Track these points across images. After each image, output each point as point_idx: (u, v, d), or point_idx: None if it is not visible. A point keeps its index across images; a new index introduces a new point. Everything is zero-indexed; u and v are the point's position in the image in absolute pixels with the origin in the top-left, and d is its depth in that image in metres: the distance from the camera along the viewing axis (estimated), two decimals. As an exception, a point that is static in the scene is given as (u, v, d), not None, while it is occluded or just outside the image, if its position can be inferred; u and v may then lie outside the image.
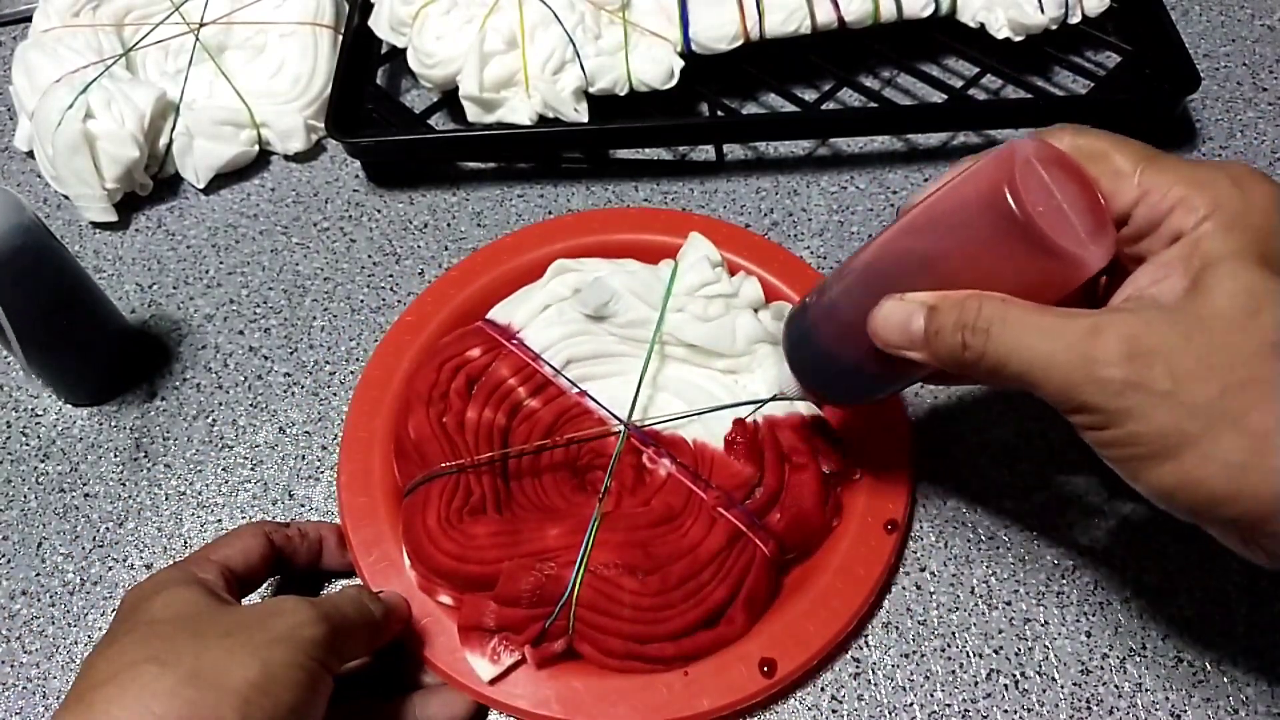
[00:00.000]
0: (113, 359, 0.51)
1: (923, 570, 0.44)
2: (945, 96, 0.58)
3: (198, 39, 0.61)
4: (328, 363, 0.52)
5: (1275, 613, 0.42)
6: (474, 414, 0.44)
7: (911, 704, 0.40)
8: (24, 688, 0.42)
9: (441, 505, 0.42)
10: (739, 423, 0.43)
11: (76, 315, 0.47)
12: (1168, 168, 0.31)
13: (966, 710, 0.40)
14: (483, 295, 0.50)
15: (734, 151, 0.60)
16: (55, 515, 0.47)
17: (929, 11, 0.57)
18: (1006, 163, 0.30)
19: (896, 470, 0.44)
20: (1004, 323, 0.30)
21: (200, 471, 0.48)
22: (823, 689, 0.41)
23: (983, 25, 0.57)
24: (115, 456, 0.49)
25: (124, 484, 0.48)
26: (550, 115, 0.56)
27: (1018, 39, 0.57)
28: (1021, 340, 0.30)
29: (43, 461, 0.49)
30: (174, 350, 0.53)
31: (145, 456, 0.49)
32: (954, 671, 0.41)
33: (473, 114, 0.57)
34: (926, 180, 0.46)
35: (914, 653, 0.41)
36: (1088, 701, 0.40)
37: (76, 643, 0.44)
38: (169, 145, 0.59)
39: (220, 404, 0.51)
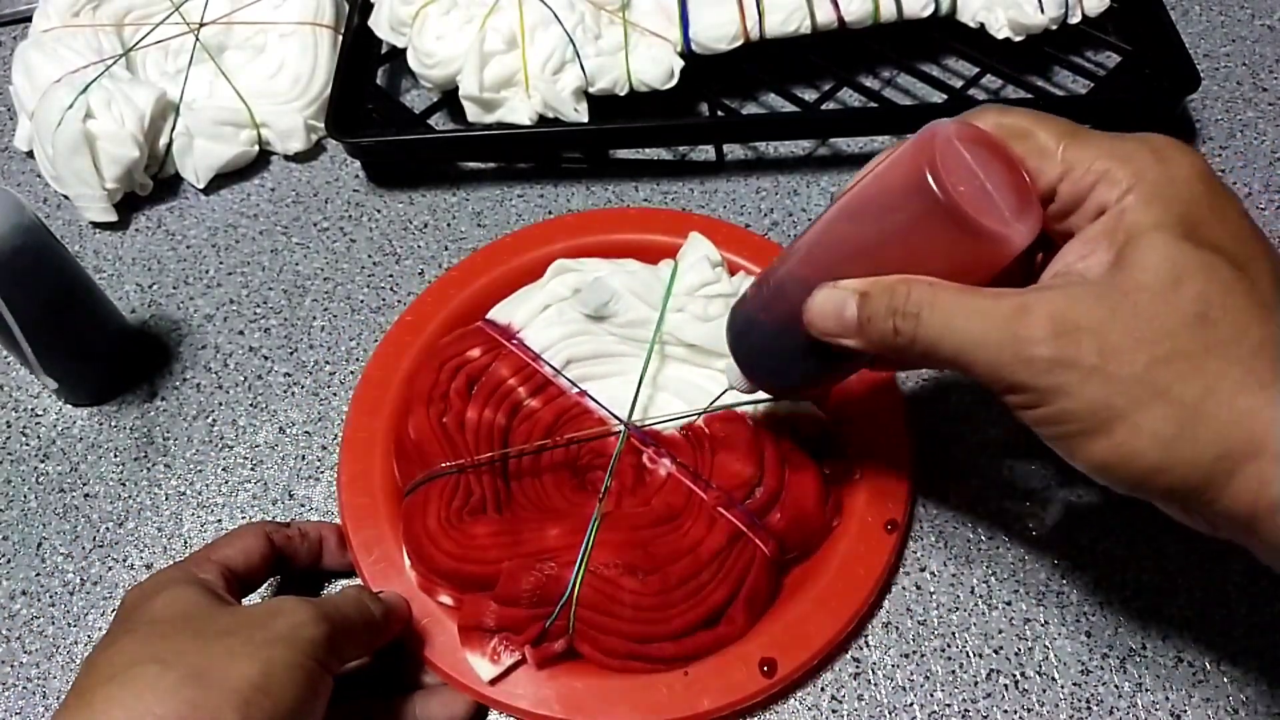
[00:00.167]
0: (113, 359, 0.51)
1: (923, 570, 0.44)
2: (945, 96, 0.58)
3: (198, 39, 0.61)
4: (328, 363, 0.52)
5: (1275, 613, 0.42)
6: (474, 414, 0.44)
7: (911, 704, 0.40)
8: (24, 688, 0.42)
9: (442, 505, 0.42)
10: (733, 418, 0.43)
11: (76, 315, 0.47)
12: (1090, 143, 0.31)
13: (966, 710, 0.40)
14: (483, 295, 0.50)
15: (734, 151, 0.60)
16: (55, 515, 0.47)
17: (929, 11, 0.57)
18: (927, 145, 0.30)
19: (896, 470, 0.44)
20: (933, 306, 0.30)
21: (200, 471, 0.48)
22: (823, 689, 0.41)
23: (983, 25, 0.57)
24: (115, 456, 0.49)
25: (124, 484, 0.48)
26: (550, 115, 0.56)
27: (1018, 39, 0.57)
28: (951, 323, 0.30)
29: (43, 461, 0.49)
30: (174, 350, 0.53)
31: (145, 456, 0.49)
32: (954, 671, 0.41)
33: (473, 114, 0.57)
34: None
35: (914, 653, 0.41)
36: (1088, 701, 0.40)
37: (76, 643, 0.44)
38: (169, 145, 0.59)
39: (220, 404, 0.51)
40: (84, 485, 0.48)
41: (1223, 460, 0.27)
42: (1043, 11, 0.56)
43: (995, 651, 0.41)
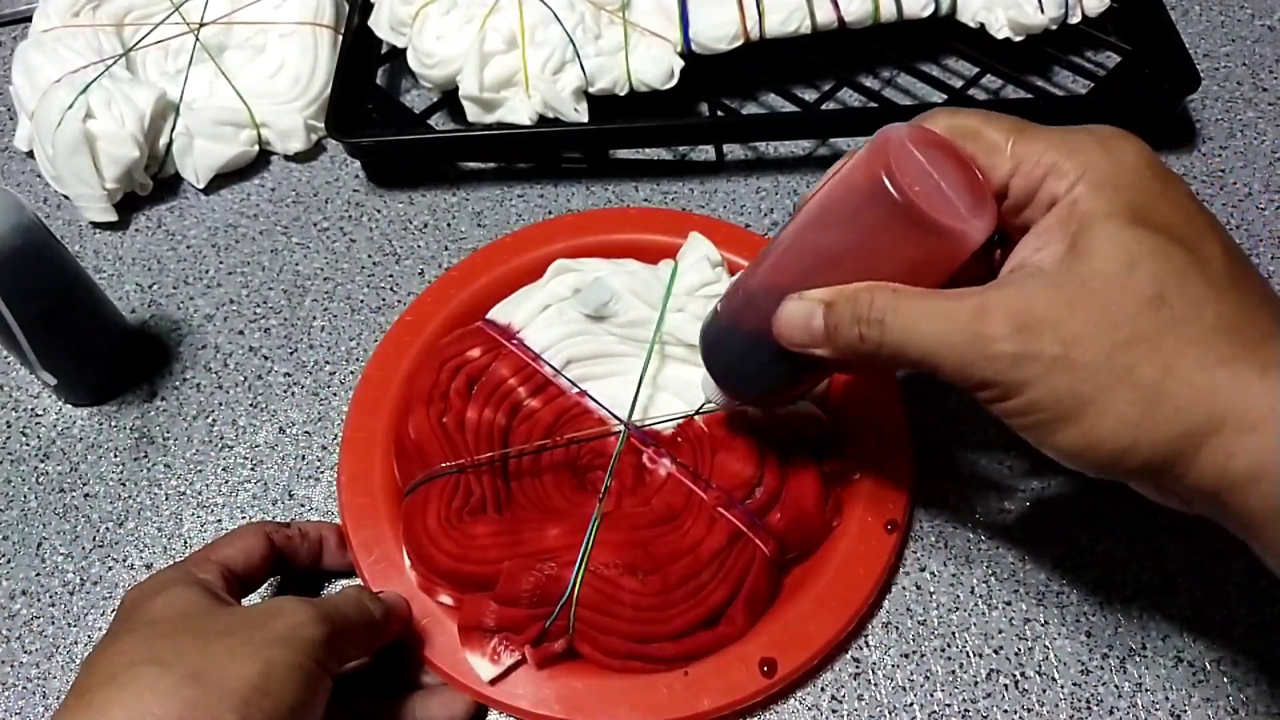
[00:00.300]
0: (113, 359, 0.51)
1: (923, 570, 0.44)
2: (945, 96, 0.58)
3: (198, 39, 0.61)
4: (328, 363, 0.52)
5: (1275, 613, 0.42)
6: (474, 414, 0.44)
7: (911, 704, 0.40)
8: (24, 688, 0.42)
9: (442, 505, 0.42)
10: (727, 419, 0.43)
11: (76, 315, 0.47)
12: (1038, 137, 0.31)
13: (966, 710, 0.40)
14: (483, 295, 0.50)
15: (734, 151, 0.60)
16: (55, 515, 0.47)
17: (929, 11, 0.57)
18: (881, 150, 0.31)
19: (896, 470, 0.44)
20: (896, 312, 0.31)
21: (200, 471, 0.48)
22: (823, 689, 0.41)
23: (983, 25, 0.57)
24: (115, 456, 0.49)
25: (124, 484, 0.48)
26: (550, 115, 0.56)
27: (1018, 39, 0.57)
28: (915, 327, 0.30)
29: (43, 461, 0.49)
30: (174, 350, 0.53)
31: (145, 456, 0.49)
32: (954, 671, 0.41)
33: (473, 114, 0.57)
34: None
35: (914, 653, 0.41)
36: (1088, 701, 0.40)
37: (76, 643, 0.44)
38: (169, 145, 0.59)
39: (220, 404, 0.51)
40: (84, 485, 0.48)
41: (1187, 437, 0.28)
42: (1043, 11, 0.56)
43: (995, 651, 0.41)
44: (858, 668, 0.41)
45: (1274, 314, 0.29)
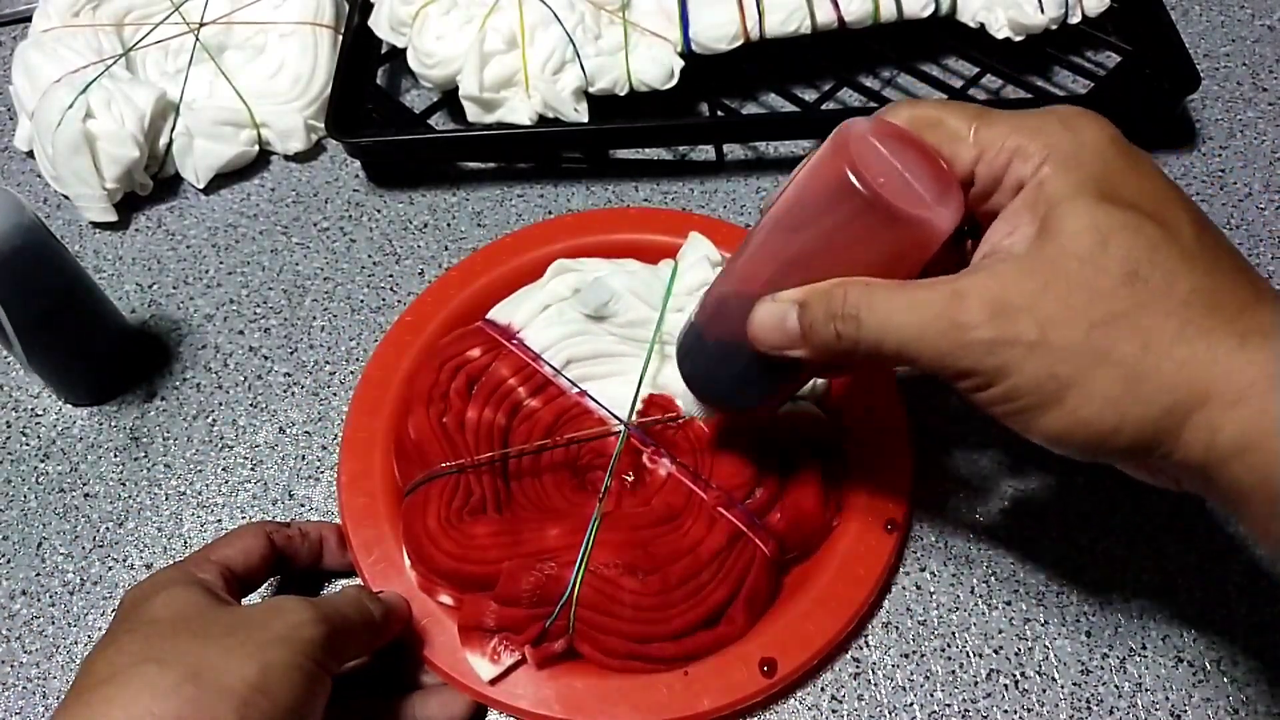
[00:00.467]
0: (113, 359, 0.51)
1: (923, 570, 0.44)
2: (945, 97, 0.58)
3: (198, 39, 0.61)
4: (328, 363, 0.52)
5: (1275, 613, 0.42)
6: (474, 414, 0.44)
7: (911, 704, 0.40)
8: (24, 688, 0.42)
9: (442, 505, 0.42)
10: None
11: (76, 315, 0.47)
12: (999, 121, 0.31)
13: (966, 710, 0.40)
14: (483, 295, 0.50)
15: (734, 151, 0.60)
16: (55, 515, 0.47)
17: (929, 11, 0.57)
18: (843, 145, 0.30)
19: (896, 470, 0.44)
20: (870, 306, 0.30)
21: (200, 471, 0.48)
22: (823, 689, 0.41)
23: (983, 25, 0.57)
24: (115, 456, 0.49)
25: (124, 484, 0.48)
26: (550, 115, 0.56)
27: (1018, 39, 0.57)
28: (890, 319, 0.30)
29: (43, 461, 0.49)
30: (174, 350, 0.53)
31: (145, 456, 0.49)
32: (954, 671, 0.41)
33: (473, 114, 0.57)
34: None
35: (914, 653, 0.41)
36: (1088, 701, 0.40)
37: (76, 643, 0.44)
38: (169, 145, 0.59)
39: (220, 404, 0.51)
40: (84, 485, 0.48)
41: (1171, 413, 0.27)
42: (1043, 11, 0.56)
43: (995, 651, 0.41)
44: (858, 668, 0.41)
45: (1249, 283, 0.29)
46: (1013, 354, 0.28)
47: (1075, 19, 0.57)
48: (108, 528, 0.47)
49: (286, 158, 0.61)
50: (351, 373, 0.51)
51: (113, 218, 0.58)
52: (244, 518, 0.47)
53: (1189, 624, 0.42)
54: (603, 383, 0.46)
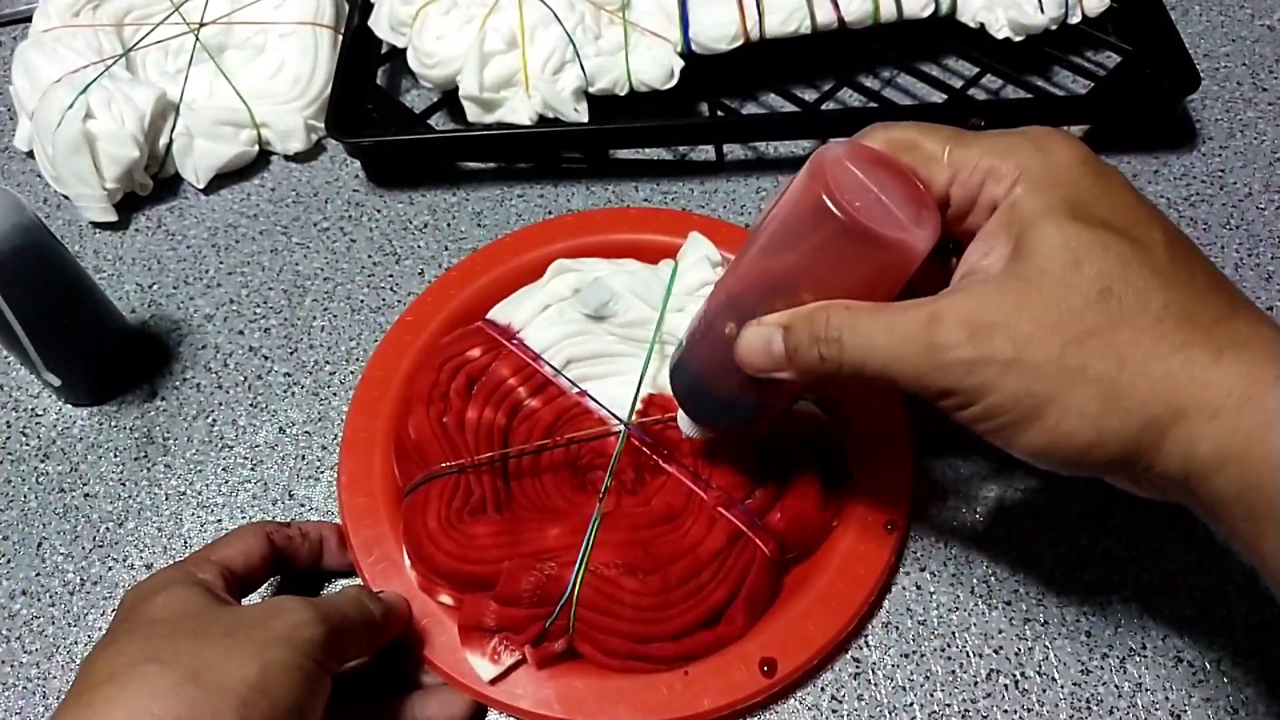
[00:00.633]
0: (113, 359, 0.51)
1: (923, 570, 0.44)
2: (945, 96, 0.58)
3: (198, 39, 0.61)
4: (328, 363, 0.52)
5: (1275, 613, 0.42)
6: (474, 414, 0.44)
7: (911, 704, 0.40)
8: (24, 688, 0.42)
9: (442, 505, 0.42)
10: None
11: (76, 315, 0.47)
12: (972, 143, 0.32)
13: (966, 710, 0.40)
14: (483, 295, 0.50)
15: (734, 151, 0.60)
16: (55, 515, 0.47)
17: (929, 11, 0.57)
18: (819, 171, 0.31)
19: (896, 470, 0.44)
20: (852, 329, 0.31)
21: (200, 471, 0.48)
22: (823, 689, 0.41)
23: (983, 25, 0.57)
24: (115, 456, 0.49)
25: (124, 484, 0.48)
26: (550, 115, 0.56)
27: (1018, 39, 0.57)
28: (871, 342, 0.31)
29: (43, 461, 0.49)
30: (174, 350, 0.53)
31: (145, 456, 0.49)
32: (954, 671, 0.41)
33: (473, 114, 0.57)
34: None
35: (914, 653, 0.41)
36: (1088, 701, 0.40)
37: (76, 643, 0.44)
38: (169, 145, 0.59)
39: (220, 404, 0.51)
40: (84, 485, 0.48)
41: (1149, 429, 0.28)
42: (1043, 11, 0.56)
43: (995, 651, 0.41)
44: (858, 668, 0.41)
45: (1224, 297, 0.29)
46: (990, 372, 0.29)
47: (1075, 19, 0.57)
48: (108, 528, 0.47)
49: (286, 158, 0.61)
50: (351, 373, 0.51)
51: (113, 218, 0.58)
52: (244, 518, 0.47)
53: (1189, 624, 0.42)
54: (603, 383, 0.46)
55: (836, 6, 0.56)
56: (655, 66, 0.56)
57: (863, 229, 0.30)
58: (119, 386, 0.51)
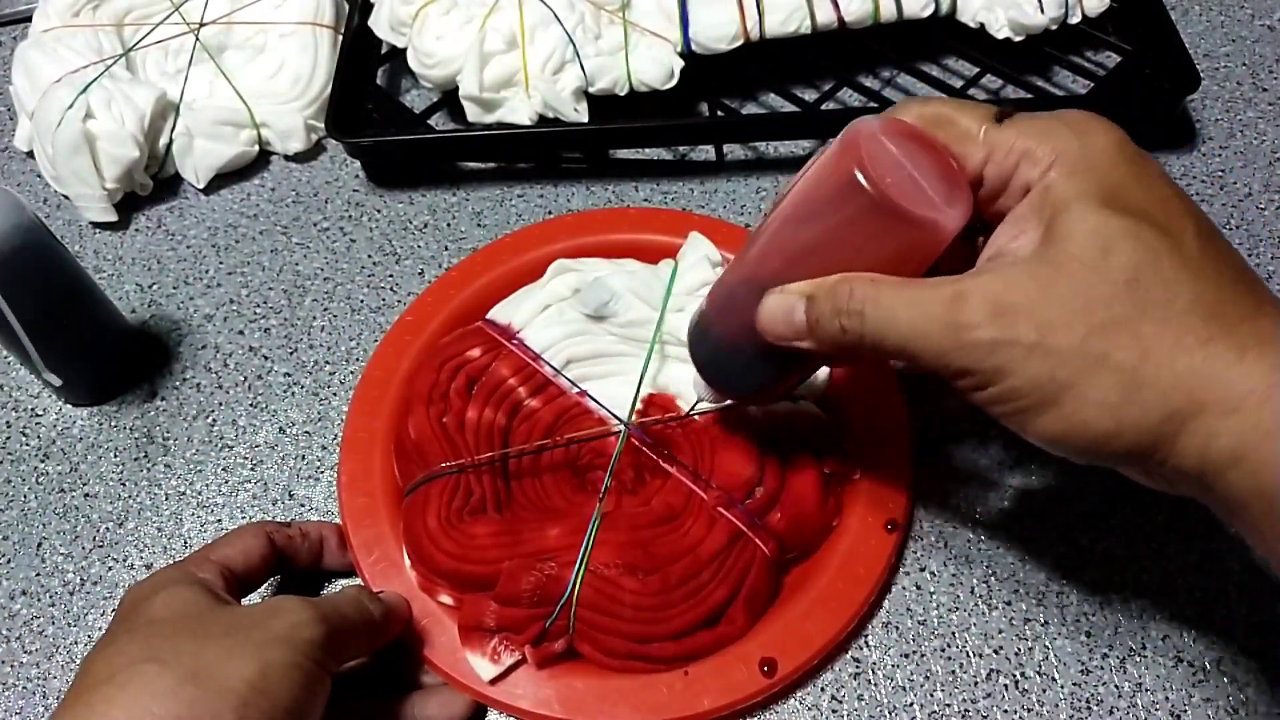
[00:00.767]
0: (113, 359, 0.51)
1: (923, 570, 0.44)
2: (945, 96, 0.58)
3: (198, 39, 0.61)
4: (328, 363, 0.52)
5: (1275, 613, 0.42)
6: (474, 414, 0.44)
7: (911, 704, 0.40)
8: (24, 688, 0.42)
9: (442, 505, 0.42)
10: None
11: (76, 315, 0.47)
12: (1011, 123, 0.31)
13: (966, 710, 0.40)
14: (483, 295, 0.50)
15: (734, 151, 0.60)
16: (55, 515, 0.47)
17: (929, 11, 0.57)
18: (853, 143, 0.31)
19: (896, 470, 0.44)
20: (876, 302, 0.31)
21: (200, 471, 0.48)
22: (823, 689, 0.41)
23: (983, 25, 0.57)
24: (115, 456, 0.49)
25: (124, 484, 0.48)
26: (550, 115, 0.56)
27: (1018, 39, 0.57)
28: (893, 316, 0.30)
29: (43, 461, 0.49)
30: (174, 350, 0.53)
31: (145, 456, 0.49)
32: (954, 671, 0.41)
33: (473, 114, 0.57)
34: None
35: (914, 653, 0.41)
36: (1088, 701, 0.40)
37: (76, 643, 0.44)
38: (169, 145, 0.59)
39: (220, 404, 0.51)
40: (84, 485, 0.48)
41: (1168, 421, 0.28)
42: (1043, 11, 0.56)
43: (995, 651, 0.41)
44: (858, 668, 0.41)
45: (1252, 294, 0.29)
46: (1011, 355, 0.29)
47: (1075, 19, 0.57)
48: (108, 528, 0.47)
49: (286, 158, 0.61)
50: (351, 373, 0.51)
51: (113, 218, 0.58)
52: (244, 518, 0.47)
53: (1189, 624, 0.42)
54: (603, 383, 0.46)
55: (836, 6, 0.56)
56: (655, 66, 0.56)
57: (893, 206, 0.30)
58: (119, 386, 0.51)
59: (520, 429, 0.45)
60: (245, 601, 0.38)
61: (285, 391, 0.51)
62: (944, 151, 0.32)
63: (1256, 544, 0.28)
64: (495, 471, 0.43)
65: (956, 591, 0.43)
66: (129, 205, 0.59)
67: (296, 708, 0.32)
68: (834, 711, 0.40)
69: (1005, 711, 0.40)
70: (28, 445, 0.50)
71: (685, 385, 0.45)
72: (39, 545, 0.47)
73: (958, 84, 0.59)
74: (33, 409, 0.51)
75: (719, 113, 0.59)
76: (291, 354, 0.52)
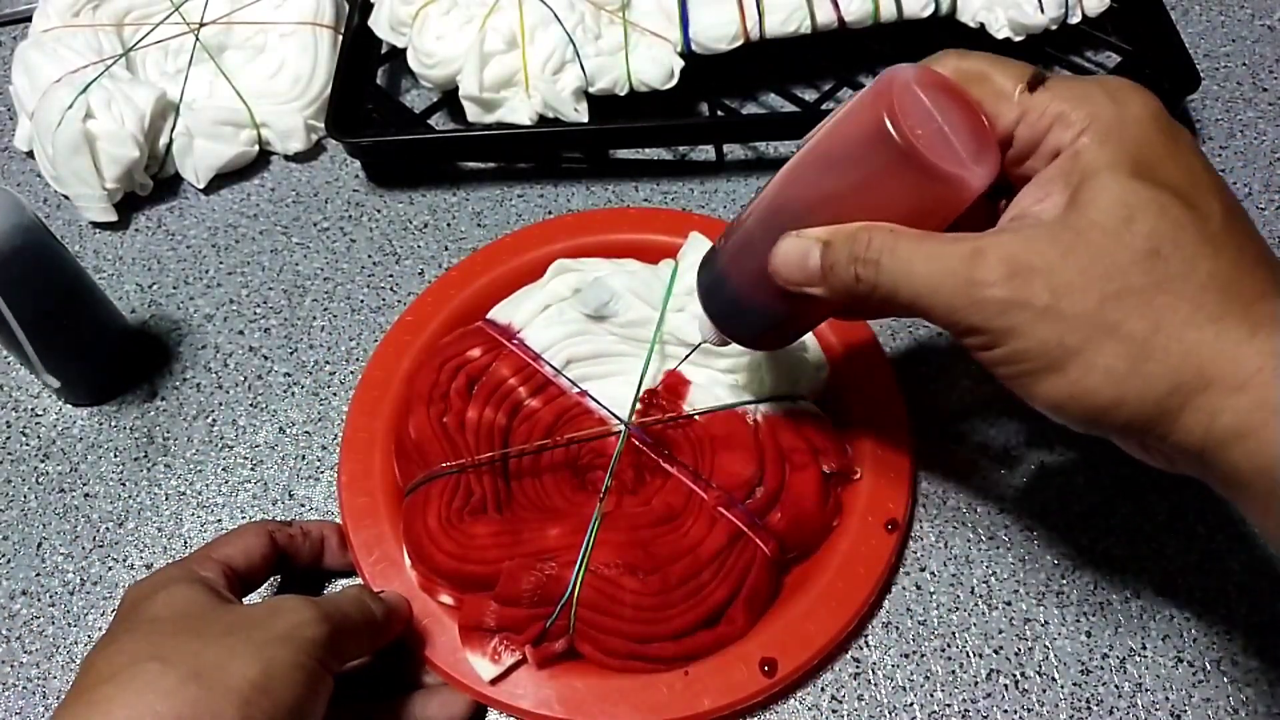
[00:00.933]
0: (113, 359, 0.51)
1: (923, 570, 0.44)
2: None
3: (198, 39, 0.61)
4: (328, 363, 0.52)
5: (1275, 613, 0.42)
6: (474, 414, 0.44)
7: (911, 704, 0.40)
8: (24, 688, 0.42)
9: (442, 505, 0.42)
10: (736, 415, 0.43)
11: (76, 315, 0.47)
12: (1047, 87, 0.31)
13: (966, 710, 0.40)
14: (483, 295, 0.50)
15: (734, 151, 0.60)
16: (55, 515, 0.47)
17: (929, 11, 0.57)
18: (885, 91, 0.30)
19: (896, 470, 0.44)
20: (892, 253, 0.30)
21: (200, 471, 0.48)
22: (823, 689, 0.41)
23: (983, 25, 0.57)
24: (115, 456, 0.49)
25: (124, 484, 0.48)
26: (550, 115, 0.56)
27: (1018, 39, 0.57)
28: (909, 268, 0.30)
29: (43, 461, 0.49)
30: (174, 350, 0.53)
31: (145, 456, 0.49)
32: (954, 671, 0.41)
33: (473, 114, 0.57)
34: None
35: (914, 653, 0.41)
36: (1088, 701, 0.40)
37: (76, 643, 0.44)
38: (169, 145, 0.59)
39: (220, 404, 0.51)
40: (84, 485, 0.48)
41: (1173, 394, 0.28)
42: (1043, 11, 0.56)
43: (995, 651, 0.41)
44: (858, 668, 0.41)
45: (1271, 275, 0.29)
46: (1023, 317, 0.28)
47: (1075, 19, 0.57)
48: (108, 528, 0.47)
49: (286, 158, 0.61)
50: (351, 373, 0.51)
51: (113, 218, 0.58)
52: (244, 518, 0.47)
53: (1189, 624, 0.42)
54: (603, 383, 0.46)
55: (836, 6, 0.56)
56: (655, 66, 0.56)
57: (920, 159, 0.29)
58: (119, 386, 0.51)
59: (520, 429, 0.45)
60: (246, 600, 0.38)
61: (285, 391, 0.51)
62: (977, 108, 0.31)
63: (1256, 523, 0.28)
64: (495, 471, 0.43)
65: (956, 591, 0.43)
66: (129, 205, 0.59)
67: (298, 707, 0.32)
68: (834, 711, 0.40)
69: (1005, 711, 0.40)
70: (28, 445, 0.50)
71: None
72: (39, 545, 0.47)
73: (958, 84, 0.59)
74: (33, 409, 0.51)
75: (719, 113, 0.59)
76: (291, 354, 0.52)
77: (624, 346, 0.46)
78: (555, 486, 0.44)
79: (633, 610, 0.39)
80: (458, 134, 0.59)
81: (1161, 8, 0.58)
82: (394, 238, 0.57)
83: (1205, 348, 0.27)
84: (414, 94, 0.64)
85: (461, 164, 0.60)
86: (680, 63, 0.56)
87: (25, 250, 0.42)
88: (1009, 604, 0.43)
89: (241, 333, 0.53)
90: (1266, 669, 0.40)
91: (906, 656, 0.41)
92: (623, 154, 0.60)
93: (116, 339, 0.51)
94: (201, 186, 0.59)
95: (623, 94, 0.56)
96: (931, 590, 0.43)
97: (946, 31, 0.59)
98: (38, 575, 0.46)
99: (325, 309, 0.54)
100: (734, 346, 0.41)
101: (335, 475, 0.47)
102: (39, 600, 0.45)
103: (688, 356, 0.44)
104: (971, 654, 0.41)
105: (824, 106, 0.59)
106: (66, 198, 0.59)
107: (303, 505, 0.47)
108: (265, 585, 0.42)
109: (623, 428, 0.44)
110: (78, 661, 0.43)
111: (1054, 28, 0.57)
